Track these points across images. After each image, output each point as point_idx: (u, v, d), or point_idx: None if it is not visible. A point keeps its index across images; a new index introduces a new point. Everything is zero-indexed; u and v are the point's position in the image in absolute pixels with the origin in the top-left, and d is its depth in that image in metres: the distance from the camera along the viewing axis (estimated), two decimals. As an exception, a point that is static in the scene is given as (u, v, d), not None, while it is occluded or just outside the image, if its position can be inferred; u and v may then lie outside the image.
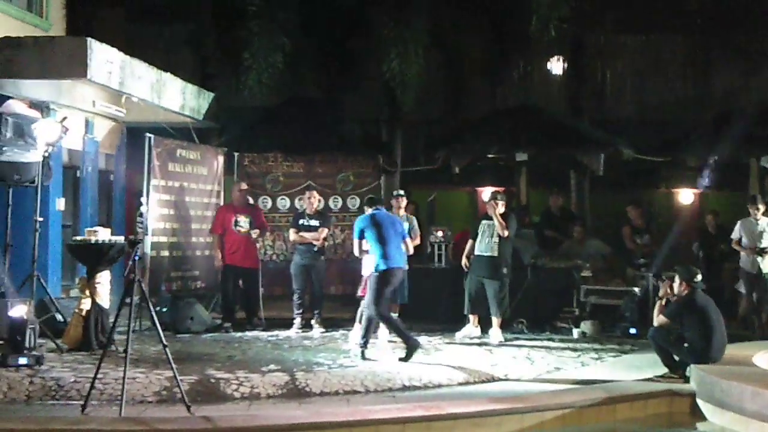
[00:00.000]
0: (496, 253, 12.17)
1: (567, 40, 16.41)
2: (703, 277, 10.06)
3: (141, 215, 12.79)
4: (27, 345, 9.34)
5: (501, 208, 12.26)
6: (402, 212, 12.34)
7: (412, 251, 11.45)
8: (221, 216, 13.05)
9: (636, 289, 12.87)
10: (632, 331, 12.55)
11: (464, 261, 12.54)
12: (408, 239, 11.26)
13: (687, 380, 9.50)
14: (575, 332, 12.65)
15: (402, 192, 12.64)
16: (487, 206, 12.45)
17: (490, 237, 12.22)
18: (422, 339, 11.94)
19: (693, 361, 9.48)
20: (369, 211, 11.15)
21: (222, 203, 13.93)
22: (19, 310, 9.55)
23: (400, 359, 10.37)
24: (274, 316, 13.39)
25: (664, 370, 9.77)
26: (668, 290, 10.02)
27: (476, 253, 12.32)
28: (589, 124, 16.34)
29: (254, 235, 12.90)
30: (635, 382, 9.67)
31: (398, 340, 11.18)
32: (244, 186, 13.48)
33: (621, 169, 15.40)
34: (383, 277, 10.67)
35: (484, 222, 12.39)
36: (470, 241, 12.56)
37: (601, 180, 15.47)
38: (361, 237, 10.90)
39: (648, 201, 16.71)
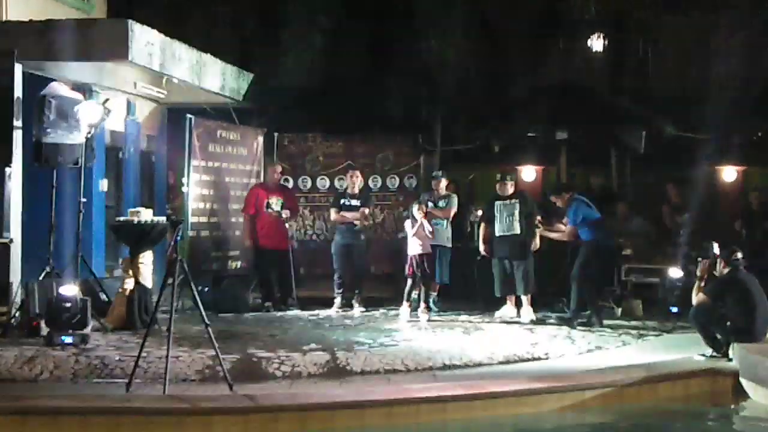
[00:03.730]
0: (518, 231, 12.12)
1: (608, 17, 16.23)
2: (746, 255, 9.95)
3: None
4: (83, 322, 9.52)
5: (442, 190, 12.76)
6: (442, 192, 12.65)
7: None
8: (254, 196, 13.06)
9: (677, 268, 12.73)
10: (674, 309, 12.45)
11: (482, 247, 12.41)
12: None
13: (730, 359, 9.43)
14: (617, 311, 12.60)
15: (440, 173, 12.94)
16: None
17: (510, 215, 12.16)
18: (462, 318, 12.04)
19: (736, 339, 9.41)
20: (567, 196, 12.07)
21: (262, 184, 13.99)
22: (70, 290, 9.73)
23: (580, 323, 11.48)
24: (315, 296, 13.47)
25: (706, 348, 9.70)
26: (706, 269, 9.93)
27: (497, 234, 12.23)
28: (630, 102, 16.17)
29: (284, 216, 12.92)
30: (677, 361, 9.63)
31: (441, 320, 11.72)
32: (279, 169, 13.54)
33: (662, 147, 15.22)
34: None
35: (498, 203, 12.31)
36: (483, 225, 12.51)
37: (642, 158, 15.32)
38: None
39: (690, 178, 16.52)
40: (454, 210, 12.71)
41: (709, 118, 15.74)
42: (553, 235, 12.20)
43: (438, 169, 13.44)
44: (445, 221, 12.58)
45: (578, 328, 11.30)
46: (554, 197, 12.23)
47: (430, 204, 12.33)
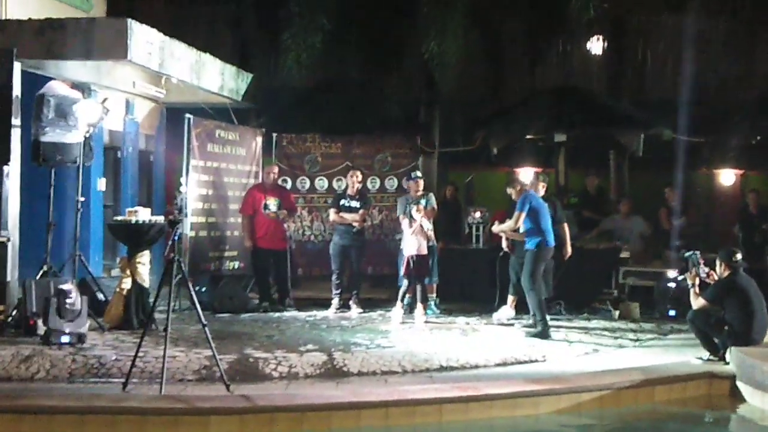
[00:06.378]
0: None
1: (607, 20, 16.24)
2: (744, 258, 9.94)
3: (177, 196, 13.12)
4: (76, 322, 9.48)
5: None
6: (420, 193, 12.43)
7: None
8: (251, 197, 13.06)
9: (675, 271, 12.74)
10: (671, 312, 12.48)
11: (505, 243, 12.27)
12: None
13: (727, 362, 9.44)
14: (614, 313, 12.60)
15: (418, 173, 12.86)
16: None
17: None
18: (460, 320, 12.02)
19: (733, 343, 9.41)
20: (519, 187, 11.68)
21: (261, 184, 13.98)
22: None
23: (530, 335, 10.95)
24: (312, 297, 13.47)
25: (704, 352, 9.71)
26: (693, 277, 9.88)
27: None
28: (628, 105, 16.19)
29: (281, 216, 12.92)
30: (674, 364, 9.62)
31: (438, 321, 11.71)
32: (275, 169, 13.51)
33: (661, 150, 15.25)
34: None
35: None
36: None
37: (640, 161, 15.35)
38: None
39: (688, 182, 16.54)
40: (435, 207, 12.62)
41: (707, 122, 15.77)
42: (504, 227, 11.98)
43: (416, 170, 13.26)
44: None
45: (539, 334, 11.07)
46: (509, 188, 11.91)
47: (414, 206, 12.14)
